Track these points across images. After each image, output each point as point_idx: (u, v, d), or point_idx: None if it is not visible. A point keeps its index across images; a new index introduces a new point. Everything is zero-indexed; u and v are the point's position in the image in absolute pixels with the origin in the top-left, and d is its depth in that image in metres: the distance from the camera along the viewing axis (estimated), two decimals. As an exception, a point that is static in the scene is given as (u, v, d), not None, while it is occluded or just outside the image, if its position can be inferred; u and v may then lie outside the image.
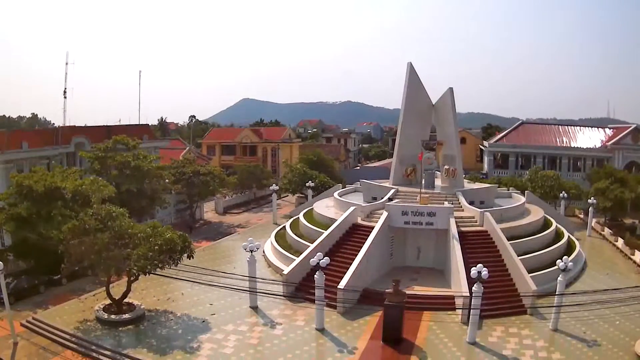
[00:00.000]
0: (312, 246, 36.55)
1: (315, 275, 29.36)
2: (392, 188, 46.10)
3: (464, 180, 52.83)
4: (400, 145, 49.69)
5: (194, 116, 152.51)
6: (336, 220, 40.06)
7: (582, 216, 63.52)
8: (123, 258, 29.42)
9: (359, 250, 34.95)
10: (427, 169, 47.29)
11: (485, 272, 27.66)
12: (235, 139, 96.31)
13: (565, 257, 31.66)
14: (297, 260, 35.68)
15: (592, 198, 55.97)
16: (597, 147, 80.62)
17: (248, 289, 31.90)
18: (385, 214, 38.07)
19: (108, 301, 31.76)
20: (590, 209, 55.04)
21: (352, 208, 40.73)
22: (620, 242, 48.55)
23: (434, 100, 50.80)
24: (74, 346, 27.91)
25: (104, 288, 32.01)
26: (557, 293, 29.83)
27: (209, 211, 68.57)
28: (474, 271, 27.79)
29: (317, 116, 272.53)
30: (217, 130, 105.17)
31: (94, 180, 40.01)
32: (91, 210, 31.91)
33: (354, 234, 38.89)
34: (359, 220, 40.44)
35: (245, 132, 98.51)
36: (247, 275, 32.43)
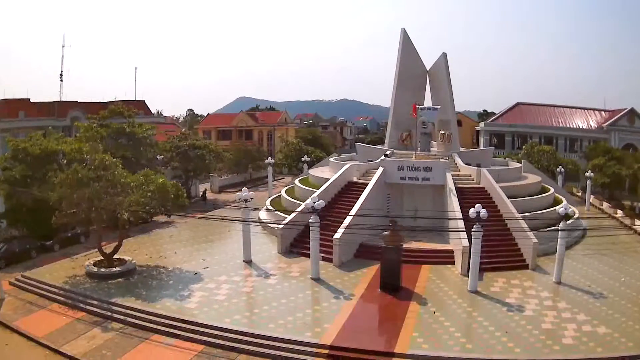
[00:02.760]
0: (306, 202, 35.38)
1: (310, 220, 28.23)
2: (388, 150, 45.13)
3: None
4: (395, 109, 48.82)
5: (191, 109, 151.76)
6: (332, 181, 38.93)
7: (579, 194, 62.43)
8: (115, 206, 28.51)
9: (354, 206, 33.83)
10: (422, 132, 46.39)
11: (484, 212, 26.64)
12: (231, 124, 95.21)
13: (565, 202, 30.56)
14: (292, 214, 34.64)
15: (589, 171, 54.98)
16: (593, 127, 79.66)
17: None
18: (380, 169, 37.08)
19: (99, 258, 30.82)
20: (587, 183, 53.90)
21: (347, 165, 39.75)
22: (620, 213, 47.32)
23: (428, 67, 50.23)
24: (62, 299, 26.78)
25: (96, 250, 31.15)
26: (559, 240, 28.78)
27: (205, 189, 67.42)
28: (472, 211, 26.75)
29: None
30: (213, 116, 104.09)
31: (92, 144, 38.99)
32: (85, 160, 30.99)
33: (349, 191, 37.92)
34: (355, 179, 39.40)
35: (241, 116, 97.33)
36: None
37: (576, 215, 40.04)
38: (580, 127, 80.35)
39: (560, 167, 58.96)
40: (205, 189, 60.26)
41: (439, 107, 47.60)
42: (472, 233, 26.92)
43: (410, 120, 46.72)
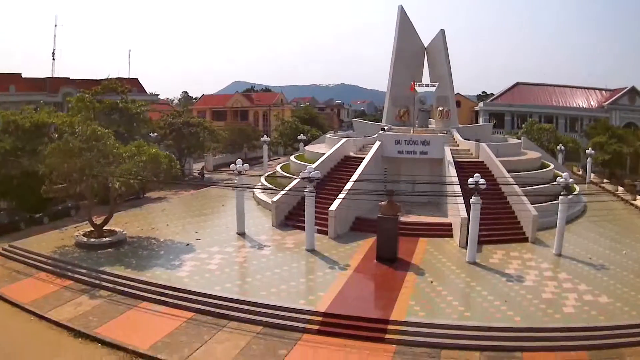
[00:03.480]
0: (302, 172, 34.58)
1: (305, 190, 27.52)
2: (386, 125, 44.33)
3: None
4: (393, 86, 47.94)
5: (185, 92, 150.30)
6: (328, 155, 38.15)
7: (580, 172, 61.73)
8: (107, 175, 27.92)
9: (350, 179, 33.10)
10: (420, 109, 45.61)
11: (482, 181, 25.94)
12: (226, 104, 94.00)
13: (565, 173, 29.85)
14: (287, 187, 33.89)
15: (589, 149, 54.29)
16: (594, 106, 78.87)
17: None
18: (378, 143, 36.29)
19: (89, 229, 30.16)
20: (588, 160, 53.25)
21: (344, 140, 38.95)
22: (620, 190, 46.70)
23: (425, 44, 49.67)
24: (49, 268, 26.10)
25: (86, 222, 30.59)
26: (559, 212, 28.11)
27: (199, 169, 66.64)
28: (471, 180, 26.04)
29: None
30: (207, 97, 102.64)
31: (84, 113, 38.08)
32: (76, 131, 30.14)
33: (345, 165, 37.12)
34: (351, 154, 38.63)
35: (236, 97, 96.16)
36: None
37: (577, 191, 39.41)
38: (581, 106, 79.50)
39: (560, 145, 58.23)
40: (204, 166, 59.54)
41: (436, 84, 46.80)
42: (471, 203, 26.24)
43: (407, 97, 45.97)
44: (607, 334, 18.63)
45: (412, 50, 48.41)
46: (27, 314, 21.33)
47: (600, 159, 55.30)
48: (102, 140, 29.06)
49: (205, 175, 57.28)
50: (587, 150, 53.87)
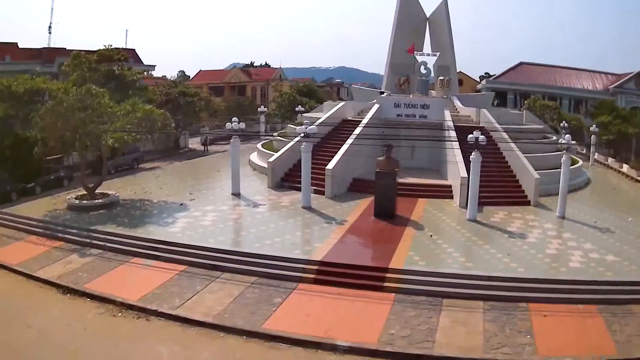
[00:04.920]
0: (297, 139, 33.84)
1: (301, 146, 26.75)
2: (385, 92, 43.50)
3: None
4: (393, 54, 47.10)
5: (182, 71, 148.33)
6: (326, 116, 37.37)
7: (584, 152, 60.43)
8: (101, 133, 27.10)
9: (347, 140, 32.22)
10: (420, 78, 44.68)
11: (482, 137, 25.21)
12: (224, 79, 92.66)
13: (568, 135, 29.07)
14: (284, 149, 33.14)
15: (594, 126, 53.13)
16: (599, 89, 77.56)
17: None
18: (376, 106, 35.47)
19: (82, 193, 29.40)
20: (592, 137, 52.01)
21: (342, 103, 38.10)
22: (625, 167, 45.78)
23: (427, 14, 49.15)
24: (40, 230, 25.06)
25: (79, 189, 30.01)
26: (562, 174, 27.28)
27: (194, 143, 65.90)
28: (470, 136, 25.30)
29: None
30: (204, 72, 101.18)
31: (79, 72, 37.29)
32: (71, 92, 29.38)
33: (343, 128, 36.22)
34: (349, 117, 37.81)
35: (234, 72, 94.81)
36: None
37: (580, 163, 38.77)
38: (586, 88, 78.23)
39: (564, 122, 57.11)
40: (207, 137, 58.67)
41: (438, 53, 45.97)
42: (471, 159, 25.50)
43: (408, 66, 45.17)
44: (616, 289, 17.90)
45: (413, 20, 48.02)
46: (15, 275, 20.48)
47: (605, 138, 54.18)
48: (97, 99, 28.26)
49: (200, 149, 56.45)
50: (590, 128, 52.72)
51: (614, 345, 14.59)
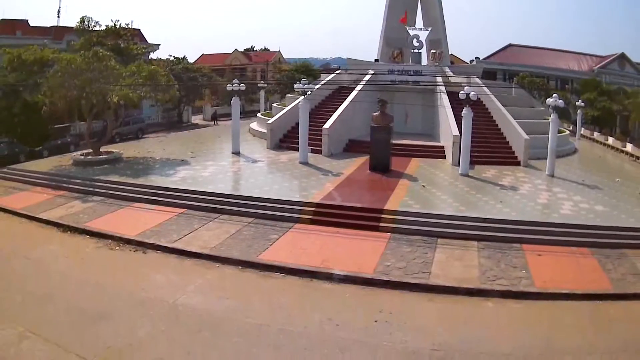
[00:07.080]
0: (296, 102, 32.82)
1: (299, 104, 25.72)
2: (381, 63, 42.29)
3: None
4: (387, 26, 45.61)
5: (185, 57, 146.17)
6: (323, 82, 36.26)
7: (570, 128, 59.20)
8: (106, 91, 26.18)
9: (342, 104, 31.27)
10: (413, 51, 43.45)
11: (473, 93, 24.17)
12: (225, 62, 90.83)
13: (555, 95, 28.05)
14: (283, 111, 32.08)
15: (580, 101, 51.95)
16: (584, 70, 76.41)
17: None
18: (371, 72, 34.33)
19: (87, 151, 28.47)
20: (578, 112, 50.84)
21: (338, 72, 36.96)
22: (610, 140, 44.64)
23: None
24: (45, 182, 24.24)
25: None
26: (550, 133, 26.28)
27: (196, 120, 64.73)
28: (462, 93, 24.29)
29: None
30: (206, 55, 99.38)
31: (86, 37, 35.92)
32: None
33: (339, 94, 35.06)
34: (345, 85, 36.67)
35: (235, 55, 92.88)
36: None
37: (567, 133, 37.79)
38: (572, 69, 77.10)
39: (555, 95, 55.84)
40: (216, 111, 57.39)
41: (429, 28, 44.68)
42: (462, 115, 24.51)
43: (401, 39, 43.77)
44: (608, 234, 16.97)
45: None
46: (18, 217, 19.66)
47: (590, 114, 53.12)
48: (103, 62, 27.19)
49: (202, 124, 55.20)
50: (577, 103, 51.56)
51: (609, 281, 13.82)
